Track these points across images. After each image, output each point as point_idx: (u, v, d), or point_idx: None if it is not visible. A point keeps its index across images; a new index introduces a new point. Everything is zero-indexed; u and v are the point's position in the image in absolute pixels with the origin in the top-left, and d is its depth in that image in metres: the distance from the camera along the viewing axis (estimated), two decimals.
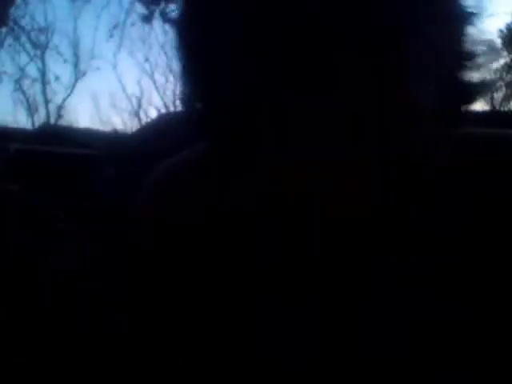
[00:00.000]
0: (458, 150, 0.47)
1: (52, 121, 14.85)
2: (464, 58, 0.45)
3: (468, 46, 0.44)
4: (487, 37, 0.46)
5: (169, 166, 0.55)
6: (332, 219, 0.42)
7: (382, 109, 0.39)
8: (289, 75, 0.38)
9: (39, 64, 13.73)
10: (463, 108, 0.46)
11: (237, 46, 0.39)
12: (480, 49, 0.45)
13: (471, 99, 0.47)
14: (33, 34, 10.56)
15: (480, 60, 0.45)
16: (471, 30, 0.44)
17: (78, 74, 15.19)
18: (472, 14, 0.44)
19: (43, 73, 14.15)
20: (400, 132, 0.40)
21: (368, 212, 0.42)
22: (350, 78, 0.38)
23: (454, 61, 0.44)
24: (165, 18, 7.78)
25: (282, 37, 0.38)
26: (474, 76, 0.46)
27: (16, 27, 9.55)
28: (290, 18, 0.37)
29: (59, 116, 15.28)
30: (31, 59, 12.36)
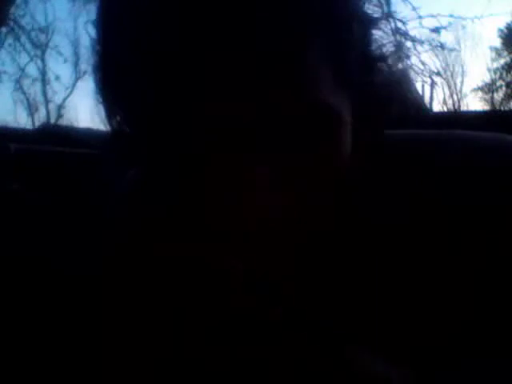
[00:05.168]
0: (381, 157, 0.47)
1: (52, 120, 14.85)
2: (373, 60, 0.45)
3: (376, 48, 0.45)
4: (394, 38, 0.46)
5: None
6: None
7: (294, 115, 0.39)
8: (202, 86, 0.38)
9: (39, 64, 13.73)
10: (379, 110, 0.47)
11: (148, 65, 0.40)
12: (388, 50, 0.46)
13: (385, 101, 0.47)
14: (33, 34, 10.55)
15: (389, 61, 0.46)
16: (378, 33, 0.45)
17: (79, 73, 15.17)
18: (377, 17, 0.44)
19: (43, 72, 14.15)
20: (316, 137, 0.40)
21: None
22: (258, 86, 0.38)
23: (363, 63, 0.44)
24: None
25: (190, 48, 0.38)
26: (385, 77, 0.46)
27: (16, 27, 9.54)
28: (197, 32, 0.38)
29: (59, 116, 15.27)
30: (31, 59, 12.36)
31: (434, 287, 0.44)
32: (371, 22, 0.45)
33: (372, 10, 0.45)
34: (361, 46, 0.44)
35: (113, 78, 0.43)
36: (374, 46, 0.45)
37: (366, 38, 0.44)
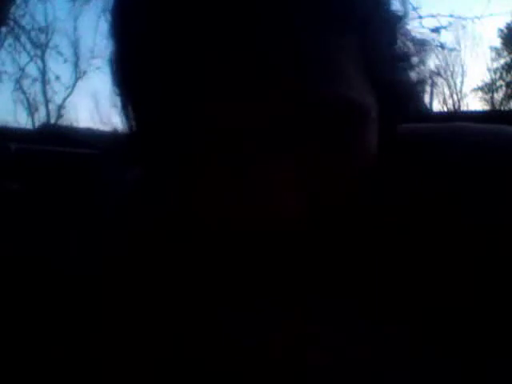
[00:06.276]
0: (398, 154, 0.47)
1: (52, 120, 14.86)
2: (398, 58, 0.45)
3: (401, 47, 0.45)
4: (418, 36, 0.46)
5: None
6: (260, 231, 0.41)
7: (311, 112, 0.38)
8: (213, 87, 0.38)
9: (39, 64, 13.75)
10: (402, 108, 0.46)
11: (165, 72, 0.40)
12: (413, 48, 0.45)
13: (409, 99, 0.47)
14: (33, 34, 10.56)
15: (414, 59, 0.46)
16: (402, 31, 0.45)
17: (79, 73, 15.20)
18: (401, 15, 0.44)
19: (43, 72, 14.17)
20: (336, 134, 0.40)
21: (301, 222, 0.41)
22: (258, 86, 0.37)
23: (388, 62, 0.44)
24: None
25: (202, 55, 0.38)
26: (410, 75, 0.46)
27: (16, 27, 9.54)
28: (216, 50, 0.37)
29: (59, 116, 15.30)
30: (31, 59, 12.38)
31: (433, 274, 0.44)
32: (396, 21, 0.44)
33: (396, 8, 0.45)
34: (387, 45, 0.44)
35: (122, 74, 0.43)
36: (398, 45, 0.45)
37: (392, 37, 0.44)
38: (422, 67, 0.46)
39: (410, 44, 0.45)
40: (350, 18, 0.39)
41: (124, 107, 0.45)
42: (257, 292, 0.46)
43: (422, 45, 0.46)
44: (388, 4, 0.44)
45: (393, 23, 0.44)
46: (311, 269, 0.43)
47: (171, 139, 0.41)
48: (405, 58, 0.45)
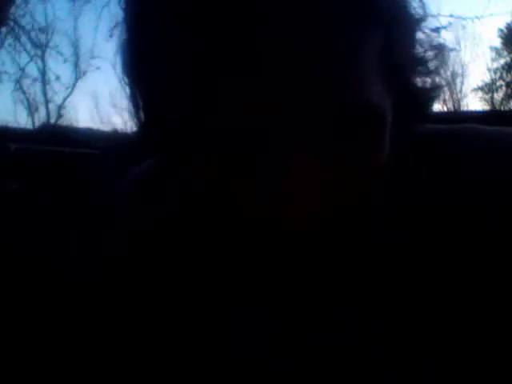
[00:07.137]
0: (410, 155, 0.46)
1: (52, 120, 14.84)
2: (416, 63, 0.44)
3: (419, 52, 0.44)
4: (436, 41, 0.46)
5: (138, 174, 0.56)
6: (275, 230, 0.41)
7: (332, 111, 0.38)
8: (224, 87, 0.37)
9: (39, 64, 13.72)
10: (418, 113, 0.46)
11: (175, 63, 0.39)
12: (431, 54, 0.45)
13: (425, 104, 0.46)
14: (33, 34, 10.55)
15: (431, 64, 0.45)
16: (421, 36, 0.44)
17: (79, 73, 15.18)
18: (421, 19, 0.44)
19: (43, 72, 14.13)
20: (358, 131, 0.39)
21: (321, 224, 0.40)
22: (298, 87, 0.37)
23: (406, 66, 0.43)
24: None
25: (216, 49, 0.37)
26: (427, 81, 0.45)
27: (16, 27, 9.54)
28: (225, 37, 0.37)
29: (59, 116, 15.27)
30: (31, 59, 12.36)
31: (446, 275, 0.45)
32: (416, 23, 0.44)
33: (415, 10, 0.44)
34: (407, 48, 0.43)
35: (146, 70, 0.42)
36: (417, 48, 0.45)
37: (412, 40, 0.44)
38: (441, 72, 0.46)
39: (427, 48, 0.45)
40: (377, 16, 0.39)
41: (132, 97, 0.44)
42: (267, 292, 0.46)
43: (440, 49, 0.46)
44: (410, 6, 0.43)
45: (413, 26, 0.44)
46: (323, 268, 0.43)
47: (191, 137, 0.40)
48: (423, 62, 0.45)
